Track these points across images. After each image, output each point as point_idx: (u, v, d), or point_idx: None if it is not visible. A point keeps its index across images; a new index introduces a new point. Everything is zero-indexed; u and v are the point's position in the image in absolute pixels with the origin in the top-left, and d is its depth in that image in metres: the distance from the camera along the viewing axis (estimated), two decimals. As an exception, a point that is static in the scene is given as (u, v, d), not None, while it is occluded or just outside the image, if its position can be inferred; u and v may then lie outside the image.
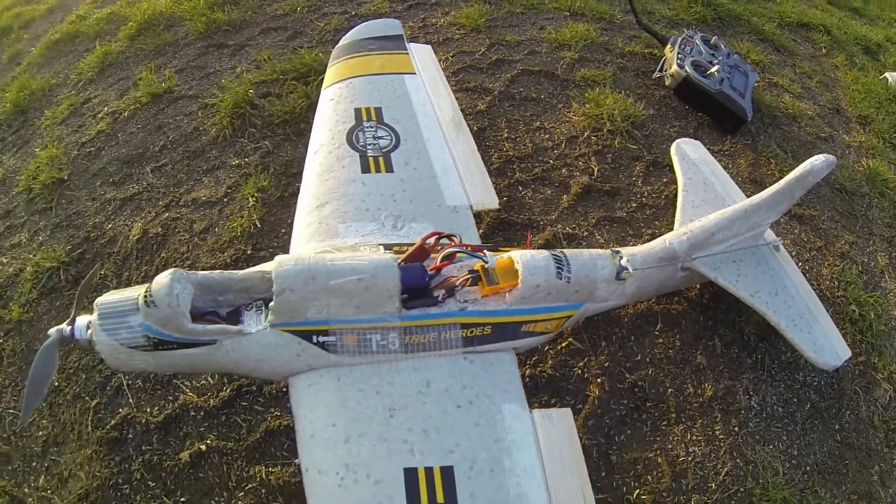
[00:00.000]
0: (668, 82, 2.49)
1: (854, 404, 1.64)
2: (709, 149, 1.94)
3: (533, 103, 2.35)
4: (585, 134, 2.21)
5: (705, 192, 1.75)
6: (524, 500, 1.00)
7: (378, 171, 1.53)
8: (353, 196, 1.46)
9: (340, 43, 1.92)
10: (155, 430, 1.51)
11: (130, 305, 1.02)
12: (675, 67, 2.41)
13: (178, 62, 2.67)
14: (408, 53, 1.88)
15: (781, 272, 1.59)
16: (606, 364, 1.56)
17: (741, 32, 3.17)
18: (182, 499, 1.40)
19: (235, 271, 1.14)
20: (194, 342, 1.04)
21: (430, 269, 1.16)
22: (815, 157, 1.51)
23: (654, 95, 2.47)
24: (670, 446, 1.46)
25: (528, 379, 1.52)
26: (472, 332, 1.16)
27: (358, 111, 1.66)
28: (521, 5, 2.94)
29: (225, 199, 2.01)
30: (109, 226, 2.01)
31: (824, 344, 1.48)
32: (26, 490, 1.52)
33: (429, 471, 1.00)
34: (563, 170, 2.06)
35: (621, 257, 1.33)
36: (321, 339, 1.08)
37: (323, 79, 1.85)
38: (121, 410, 1.56)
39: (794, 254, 1.90)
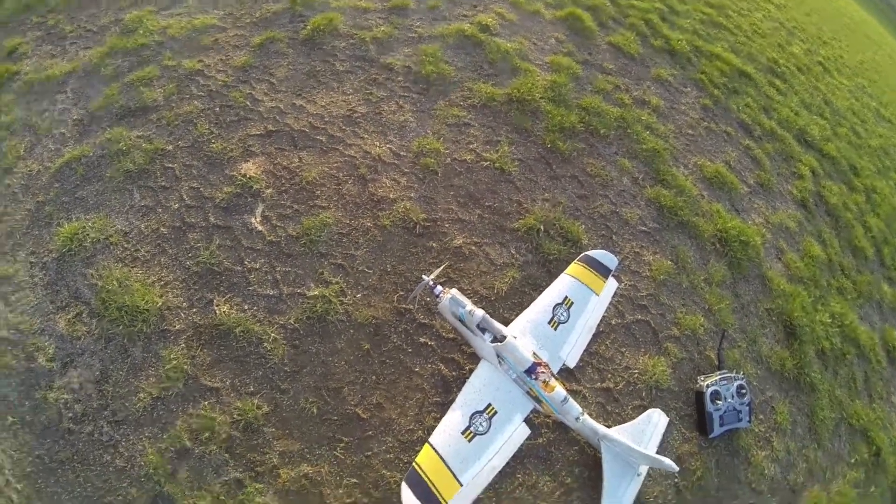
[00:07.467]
0: (695, 386, 3.43)
1: None
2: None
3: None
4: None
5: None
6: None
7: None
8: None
9: (587, 252, 3.21)
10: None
11: (463, 306, 2.76)
12: (704, 383, 3.37)
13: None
14: (605, 281, 3.09)
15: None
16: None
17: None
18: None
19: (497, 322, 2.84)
20: (469, 329, 2.77)
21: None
22: None
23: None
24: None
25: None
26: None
27: (557, 306, 2.98)
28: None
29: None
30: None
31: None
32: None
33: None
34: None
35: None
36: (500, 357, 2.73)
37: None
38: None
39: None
